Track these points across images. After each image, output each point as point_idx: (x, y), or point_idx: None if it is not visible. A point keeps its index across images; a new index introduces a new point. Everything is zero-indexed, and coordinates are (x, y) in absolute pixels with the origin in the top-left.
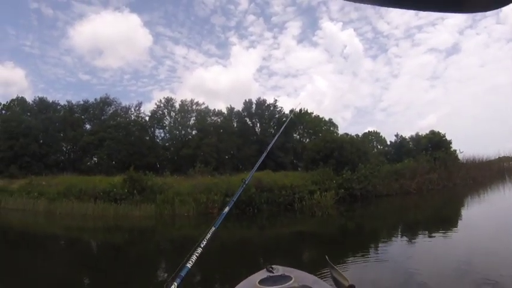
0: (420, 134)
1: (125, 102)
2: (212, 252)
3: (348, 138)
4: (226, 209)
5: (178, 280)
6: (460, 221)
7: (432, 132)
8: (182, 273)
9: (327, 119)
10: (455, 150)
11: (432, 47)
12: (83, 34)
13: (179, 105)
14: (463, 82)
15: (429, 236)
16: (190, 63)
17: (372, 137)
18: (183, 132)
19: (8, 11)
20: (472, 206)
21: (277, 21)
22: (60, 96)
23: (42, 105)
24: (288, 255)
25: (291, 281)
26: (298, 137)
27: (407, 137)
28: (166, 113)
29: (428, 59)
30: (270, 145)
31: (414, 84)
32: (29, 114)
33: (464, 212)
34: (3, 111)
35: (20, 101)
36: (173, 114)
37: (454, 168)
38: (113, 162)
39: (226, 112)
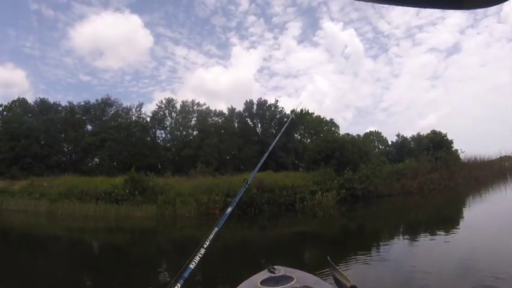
0: (421, 133)
1: (126, 103)
2: (214, 252)
3: (349, 139)
4: (229, 209)
5: (181, 281)
6: (461, 221)
7: (434, 132)
8: (186, 274)
9: (328, 119)
10: (456, 150)
11: (433, 46)
12: (83, 35)
13: (180, 105)
14: (464, 82)
15: (431, 236)
16: (190, 63)
17: (374, 137)
18: (184, 132)
19: (8, 12)
20: (473, 205)
21: (278, 21)
22: (61, 97)
23: (44, 106)
24: (290, 256)
25: (293, 282)
26: (299, 137)
27: (408, 137)
28: (167, 113)
29: (429, 58)
30: (272, 145)
31: (415, 84)
32: (30, 115)
33: (466, 211)
34: (5, 113)
35: (21, 102)
36: (174, 114)
37: (456, 168)
38: (115, 163)
39: (227, 112)
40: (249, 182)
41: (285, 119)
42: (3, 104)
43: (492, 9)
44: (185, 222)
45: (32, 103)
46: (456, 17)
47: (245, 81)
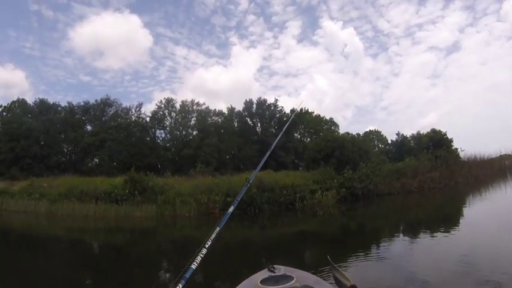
0: (421, 132)
1: (125, 103)
2: (214, 252)
3: (349, 137)
4: (231, 209)
5: (183, 282)
6: (462, 220)
7: (434, 131)
8: (187, 275)
9: (328, 118)
10: (456, 149)
11: (432, 45)
12: (83, 35)
13: (180, 105)
14: (464, 80)
15: (432, 235)
16: (190, 63)
17: (373, 136)
18: (184, 132)
19: (8, 12)
20: (473, 204)
21: (278, 20)
22: (61, 98)
23: (43, 107)
24: (290, 255)
25: (293, 281)
26: (299, 136)
27: (408, 136)
28: (166, 113)
29: (429, 57)
30: (273, 145)
31: (415, 83)
32: (30, 115)
33: (466, 210)
34: (4, 113)
35: (21, 103)
36: (174, 114)
37: (456, 166)
38: (114, 163)
39: (226, 112)
40: (250, 181)
41: (285, 119)
42: (3, 105)
43: (492, 7)
44: (185, 222)
45: (31, 104)
46: (455, 16)
47: (245, 80)
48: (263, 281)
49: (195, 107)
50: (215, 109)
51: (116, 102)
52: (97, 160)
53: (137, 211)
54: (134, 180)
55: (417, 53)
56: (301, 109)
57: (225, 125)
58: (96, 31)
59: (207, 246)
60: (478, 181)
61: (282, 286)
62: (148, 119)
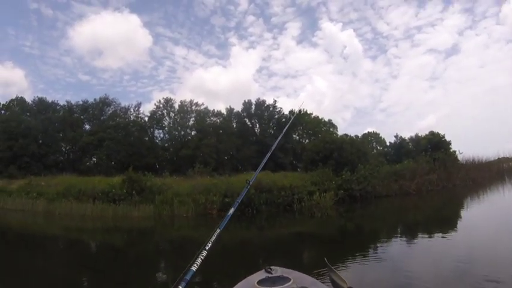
0: (419, 134)
1: (124, 103)
2: (211, 252)
3: (347, 139)
4: (231, 211)
5: (183, 283)
6: (459, 222)
7: (432, 133)
8: (188, 277)
9: (326, 119)
10: (454, 151)
11: (431, 47)
12: (82, 34)
13: (179, 105)
14: (463, 83)
15: (429, 237)
16: (190, 63)
17: (372, 138)
18: (182, 132)
19: (8, 11)
20: (471, 206)
21: (277, 21)
22: (60, 97)
23: (42, 106)
24: (287, 256)
25: (290, 282)
26: (297, 137)
27: (406, 138)
28: (165, 113)
29: (428, 59)
30: (273, 146)
31: (414, 85)
32: (28, 114)
33: (464, 212)
34: (3, 112)
35: (20, 101)
36: (173, 114)
37: (454, 169)
38: (113, 163)
39: (225, 113)
40: (250, 183)
41: (284, 120)
42: (2, 103)
43: (491, 10)
44: (182, 222)
45: (30, 102)
46: (455, 18)
47: (244, 81)
48: (260, 282)
49: (193, 107)
50: (214, 109)
51: (114, 102)
52: (95, 159)
53: (135, 211)
54: (132, 180)
55: (416, 55)
56: (300, 110)
57: (223, 125)
58: (95, 30)
59: (207, 248)
60: (475, 184)
61: (278, 287)
62: (146, 118)
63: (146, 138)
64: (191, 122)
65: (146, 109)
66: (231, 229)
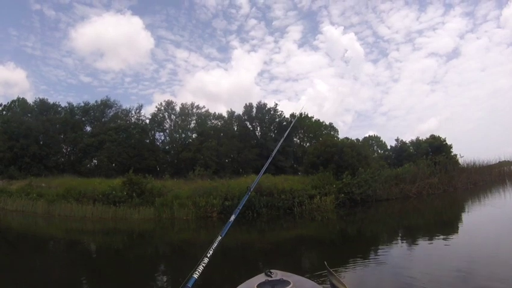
0: (420, 138)
1: (125, 105)
2: (212, 256)
3: (348, 143)
4: (232, 218)
5: None
6: (460, 226)
7: (433, 137)
8: (190, 284)
9: (327, 123)
10: (455, 155)
11: (432, 51)
12: (84, 36)
13: (180, 108)
14: (464, 86)
15: (430, 241)
16: (191, 66)
17: (373, 141)
18: (183, 135)
19: (10, 12)
20: (472, 210)
21: (279, 25)
22: (62, 98)
23: (43, 107)
24: (287, 260)
25: (289, 286)
26: (298, 141)
27: (407, 142)
28: (166, 116)
29: (429, 63)
30: (275, 151)
31: (415, 89)
32: (29, 115)
33: (465, 216)
34: (4, 112)
35: (21, 102)
36: (174, 117)
37: (455, 172)
38: (113, 165)
39: (226, 116)
40: (251, 189)
41: (285, 123)
42: (3, 104)
43: (492, 14)
44: (182, 225)
45: (31, 103)
46: (456, 22)
47: (245, 84)
48: (259, 286)
49: (194, 110)
50: (215, 112)
51: (116, 104)
52: (95, 161)
53: (135, 213)
54: (133, 182)
55: (417, 59)
56: (301, 114)
57: (224, 128)
58: (97, 32)
59: (208, 255)
60: (477, 187)
61: None
62: (147, 121)
63: (147, 141)
64: (192, 125)
65: (148, 111)
66: (231, 232)
